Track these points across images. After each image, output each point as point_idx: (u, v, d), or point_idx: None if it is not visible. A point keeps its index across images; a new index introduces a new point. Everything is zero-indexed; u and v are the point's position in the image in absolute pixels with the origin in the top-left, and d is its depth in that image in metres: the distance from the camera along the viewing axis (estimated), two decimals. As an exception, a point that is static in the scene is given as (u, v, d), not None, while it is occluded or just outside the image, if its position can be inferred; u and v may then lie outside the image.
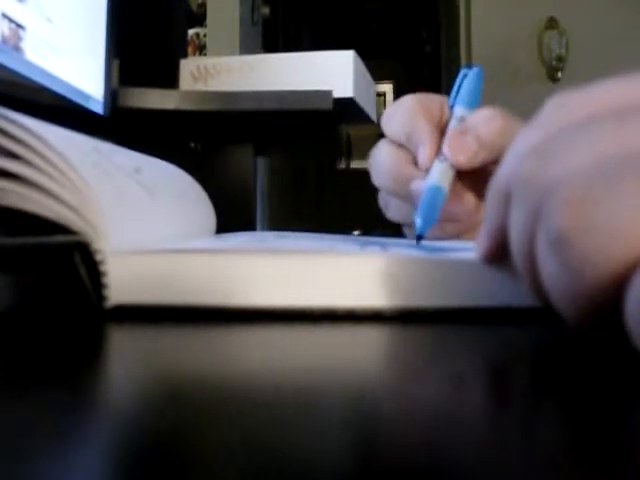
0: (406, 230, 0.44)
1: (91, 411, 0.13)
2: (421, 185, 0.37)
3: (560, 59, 2.67)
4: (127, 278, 0.22)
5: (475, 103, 0.39)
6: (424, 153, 0.38)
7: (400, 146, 0.40)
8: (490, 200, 0.20)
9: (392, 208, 0.42)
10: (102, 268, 0.22)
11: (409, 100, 0.41)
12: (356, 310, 0.23)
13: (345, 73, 0.86)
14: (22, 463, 0.10)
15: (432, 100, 0.41)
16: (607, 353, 0.18)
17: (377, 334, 0.21)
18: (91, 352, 0.18)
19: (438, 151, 0.38)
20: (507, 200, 0.18)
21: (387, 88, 5.17)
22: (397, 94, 5.40)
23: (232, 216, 0.60)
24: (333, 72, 0.85)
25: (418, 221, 0.35)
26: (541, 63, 2.70)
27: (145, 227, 0.28)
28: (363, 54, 0.92)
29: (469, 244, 0.30)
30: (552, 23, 2.69)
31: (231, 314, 0.22)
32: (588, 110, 0.18)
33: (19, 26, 0.52)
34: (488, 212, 0.20)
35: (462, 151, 0.37)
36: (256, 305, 0.23)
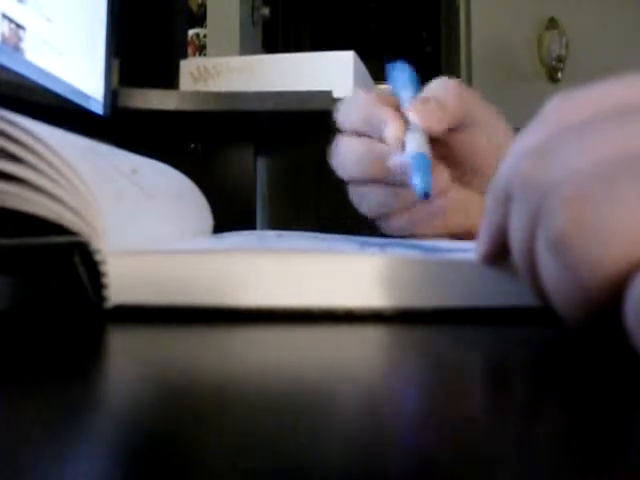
0: (382, 225, 0.43)
1: (91, 411, 0.13)
2: (399, 159, 0.37)
3: (560, 59, 2.67)
4: (127, 278, 0.22)
5: (417, 88, 0.41)
6: (391, 128, 0.38)
7: (361, 136, 0.40)
8: (490, 200, 0.20)
9: (368, 200, 0.41)
10: (102, 268, 0.22)
11: (361, 92, 0.41)
12: (355, 310, 0.23)
13: (345, 73, 0.86)
14: (22, 463, 0.10)
15: (385, 92, 0.41)
16: (607, 353, 0.18)
17: (376, 334, 0.21)
18: (91, 352, 0.18)
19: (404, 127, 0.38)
20: (507, 200, 0.18)
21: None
22: (397, 94, 5.40)
23: (232, 216, 0.60)
24: (333, 72, 0.85)
25: (417, 181, 0.34)
26: (541, 63, 2.70)
27: (143, 227, 0.28)
28: (363, 54, 0.92)
29: (469, 244, 0.30)
30: (552, 23, 2.69)
31: (231, 314, 0.22)
32: (588, 111, 0.18)
33: (19, 26, 0.52)
34: (488, 212, 0.20)
35: (430, 116, 0.37)
36: (255, 305, 0.23)
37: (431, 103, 0.38)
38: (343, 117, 0.41)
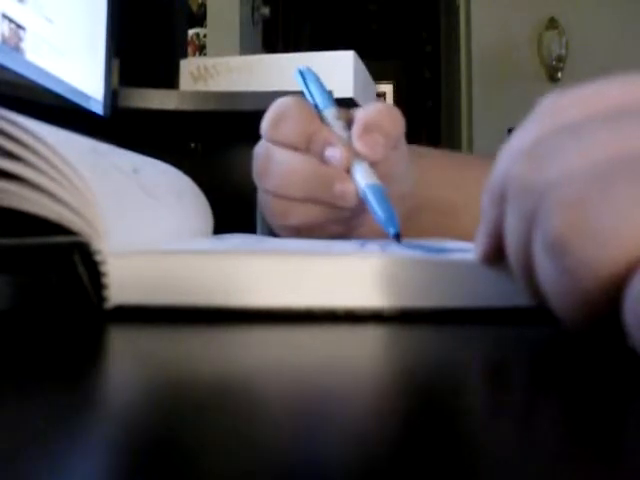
0: (302, 234, 0.41)
1: (91, 411, 0.13)
2: (349, 188, 0.37)
3: (560, 59, 2.67)
4: (127, 278, 0.22)
5: (332, 99, 0.41)
6: (339, 152, 0.37)
7: (296, 150, 0.39)
8: (486, 200, 0.20)
9: (297, 213, 0.39)
10: (102, 269, 0.22)
11: (293, 104, 0.40)
12: (355, 310, 0.23)
13: (345, 73, 0.86)
14: (22, 463, 0.10)
15: (307, 103, 0.41)
16: (606, 353, 0.18)
17: (377, 334, 0.21)
18: (91, 352, 0.18)
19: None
20: (502, 200, 0.18)
21: (387, 88, 5.17)
22: (397, 94, 5.41)
23: (232, 216, 0.60)
24: (333, 72, 0.85)
25: (387, 224, 0.34)
26: (541, 63, 2.71)
27: (144, 227, 0.28)
28: (363, 54, 0.92)
29: (469, 244, 0.30)
30: (552, 23, 2.69)
31: (231, 314, 0.22)
32: (582, 111, 0.18)
33: (19, 26, 0.52)
34: (485, 212, 0.20)
35: (375, 148, 0.37)
36: (256, 305, 0.23)
37: (375, 132, 0.38)
38: (275, 127, 0.39)
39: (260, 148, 0.40)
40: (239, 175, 1.00)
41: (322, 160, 0.38)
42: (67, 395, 0.14)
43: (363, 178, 0.37)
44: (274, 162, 0.39)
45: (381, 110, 0.39)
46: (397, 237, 0.34)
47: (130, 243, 0.24)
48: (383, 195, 0.36)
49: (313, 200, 0.39)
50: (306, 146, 0.38)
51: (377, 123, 0.38)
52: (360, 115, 0.39)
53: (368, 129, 0.38)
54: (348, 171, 0.38)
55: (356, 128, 0.38)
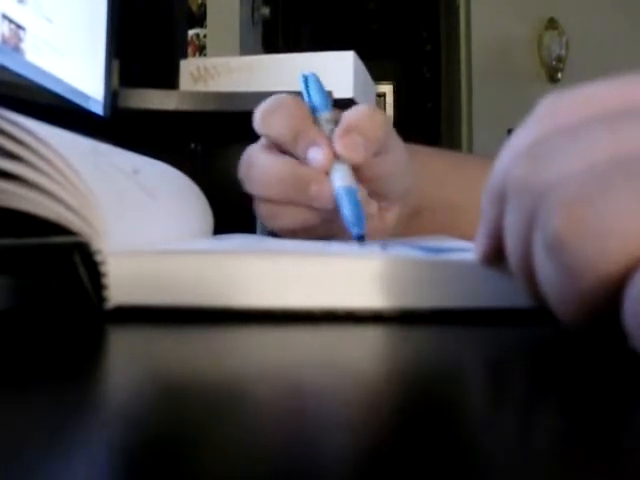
0: (290, 237, 0.42)
1: (91, 411, 0.13)
2: (325, 190, 0.36)
3: (560, 59, 2.67)
4: (127, 279, 0.22)
5: (329, 104, 0.41)
6: (321, 153, 0.37)
7: (279, 149, 0.39)
8: (486, 200, 0.20)
9: (281, 218, 0.39)
10: (102, 269, 0.22)
11: (288, 100, 0.40)
12: (355, 311, 0.23)
13: (345, 73, 0.86)
14: (22, 463, 0.10)
15: (303, 102, 0.41)
16: (606, 353, 0.18)
17: (377, 334, 0.21)
18: (91, 352, 0.18)
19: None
20: (502, 199, 0.19)
21: (387, 88, 5.17)
22: (397, 94, 5.41)
23: (232, 216, 0.60)
24: (333, 72, 0.85)
25: (352, 225, 0.34)
26: (541, 63, 2.70)
27: (144, 228, 0.28)
28: (363, 54, 0.91)
29: (469, 244, 0.30)
30: (552, 23, 2.69)
31: (231, 315, 0.22)
32: (582, 112, 0.18)
33: (19, 27, 0.52)
34: (485, 212, 0.20)
35: (355, 149, 0.37)
36: (256, 306, 0.23)
37: (355, 134, 0.37)
38: (265, 122, 0.39)
39: (244, 155, 0.40)
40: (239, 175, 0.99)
41: (305, 160, 0.38)
42: (67, 395, 0.14)
43: (338, 180, 0.37)
44: (255, 167, 0.39)
45: (363, 112, 0.39)
46: (360, 238, 0.34)
47: (130, 243, 0.24)
48: (354, 197, 0.36)
49: (292, 202, 0.38)
50: (293, 143, 0.38)
51: (357, 125, 0.38)
52: (343, 117, 0.39)
53: (348, 131, 0.38)
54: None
55: (338, 130, 0.38)
